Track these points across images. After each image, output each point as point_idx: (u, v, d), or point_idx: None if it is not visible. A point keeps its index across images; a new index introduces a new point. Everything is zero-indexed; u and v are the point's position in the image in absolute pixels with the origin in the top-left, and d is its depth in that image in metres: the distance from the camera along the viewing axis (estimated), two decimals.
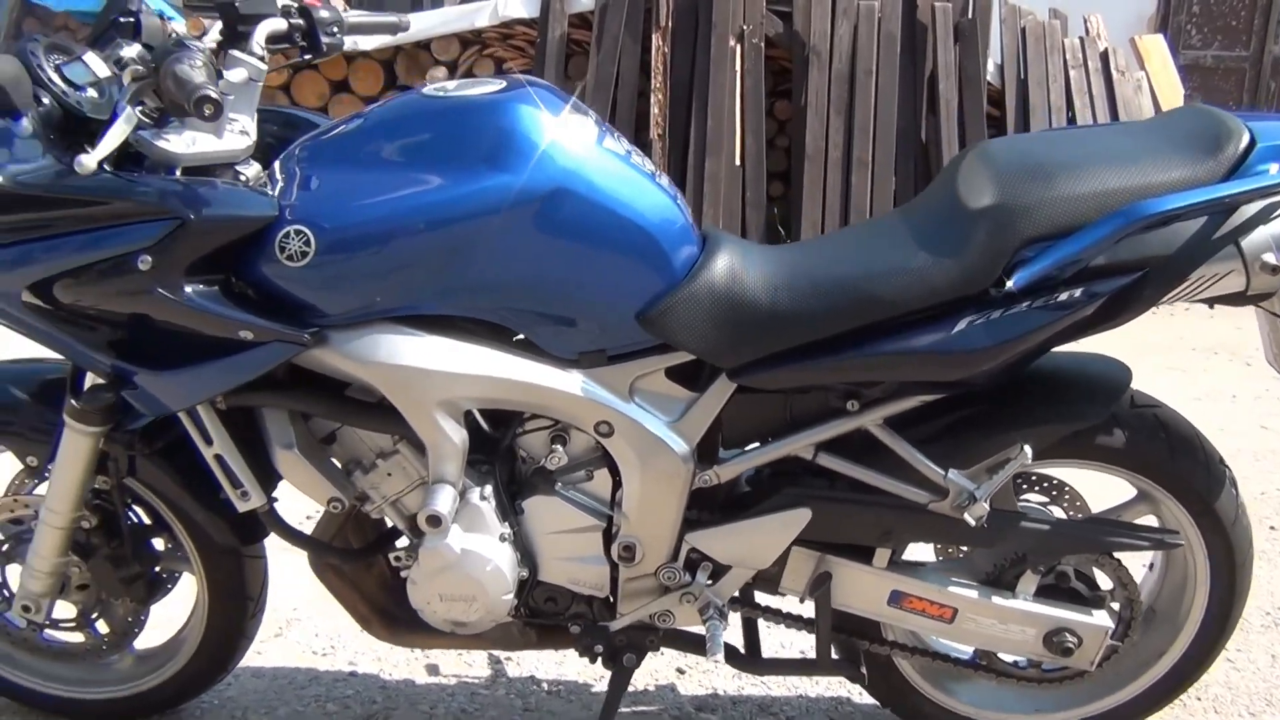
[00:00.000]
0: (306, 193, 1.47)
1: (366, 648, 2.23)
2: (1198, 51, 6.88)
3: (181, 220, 1.40)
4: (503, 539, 1.61)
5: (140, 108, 1.45)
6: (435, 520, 1.54)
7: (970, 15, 5.58)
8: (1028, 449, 1.54)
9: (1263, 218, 1.43)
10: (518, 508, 1.64)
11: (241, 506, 1.65)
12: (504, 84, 1.56)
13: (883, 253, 1.53)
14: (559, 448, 1.60)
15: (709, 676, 2.14)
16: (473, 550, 1.59)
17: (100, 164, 1.37)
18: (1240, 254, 1.43)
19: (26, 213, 1.44)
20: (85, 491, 1.73)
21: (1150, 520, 1.74)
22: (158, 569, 1.88)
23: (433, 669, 2.18)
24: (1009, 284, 1.43)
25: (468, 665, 2.18)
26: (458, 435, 1.54)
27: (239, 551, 1.83)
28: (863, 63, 5.57)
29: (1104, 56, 5.71)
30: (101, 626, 1.91)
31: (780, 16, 5.64)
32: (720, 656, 1.66)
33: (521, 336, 1.58)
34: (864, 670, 1.77)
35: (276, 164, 1.56)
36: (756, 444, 1.63)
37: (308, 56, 1.75)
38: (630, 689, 2.02)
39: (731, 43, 5.53)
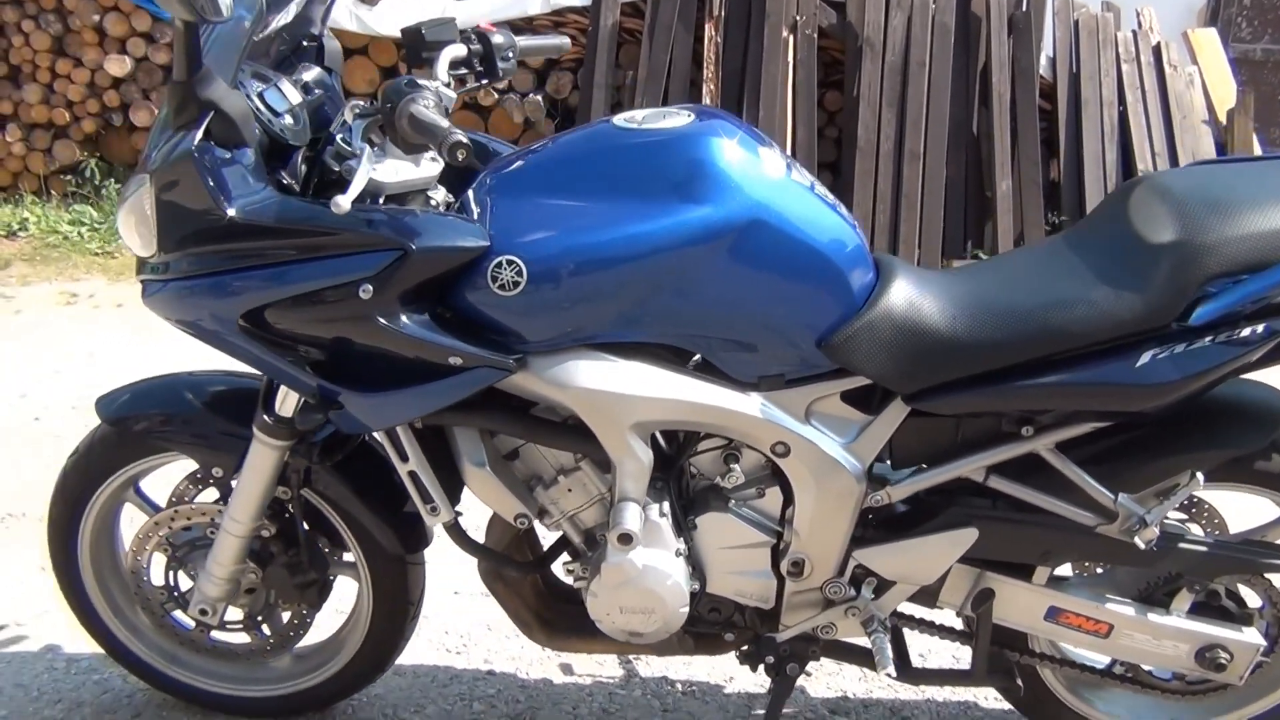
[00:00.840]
0: (512, 223, 1.53)
1: (499, 647, 2.31)
2: (1248, 45, 6.89)
3: (404, 251, 1.45)
4: (678, 554, 1.68)
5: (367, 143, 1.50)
6: (628, 538, 1.60)
7: (1024, 8, 5.59)
8: (1199, 476, 1.61)
9: None
10: (690, 523, 1.70)
11: (431, 521, 1.72)
12: (691, 115, 1.61)
13: (1060, 283, 1.58)
14: (736, 467, 1.67)
15: (836, 679, 2.22)
16: (653, 565, 1.65)
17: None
18: None
19: (249, 242, 1.49)
20: (267, 502, 1.79)
21: None
22: (329, 575, 1.95)
23: (567, 668, 2.25)
24: (1193, 319, 1.49)
25: (600, 665, 2.26)
26: (645, 456, 1.61)
27: (404, 559, 1.90)
28: (916, 54, 5.60)
29: (1156, 50, 5.74)
30: (266, 629, 1.97)
31: (833, 7, 5.66)
32: (892, 670, 1.73)
33: (698, 358, 1.63)
34: (1019, 682, 1.84)
35: (470, 192, 1.61)
36: (926, 465, 1.68)
37: (484, 81, 1.79)
38: (757, 690, 2.10)
39: (784, 33, 5.55)
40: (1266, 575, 1.76)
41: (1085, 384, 1.54)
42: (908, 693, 2.18)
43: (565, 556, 1.82)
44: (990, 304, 1.58)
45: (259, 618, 1.97)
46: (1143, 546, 1.63)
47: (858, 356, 1.57)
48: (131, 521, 2.00)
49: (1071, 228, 1.79)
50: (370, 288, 1.47)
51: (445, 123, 1.37)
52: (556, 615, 1.89)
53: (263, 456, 1.75)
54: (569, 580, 1.82)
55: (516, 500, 1.69)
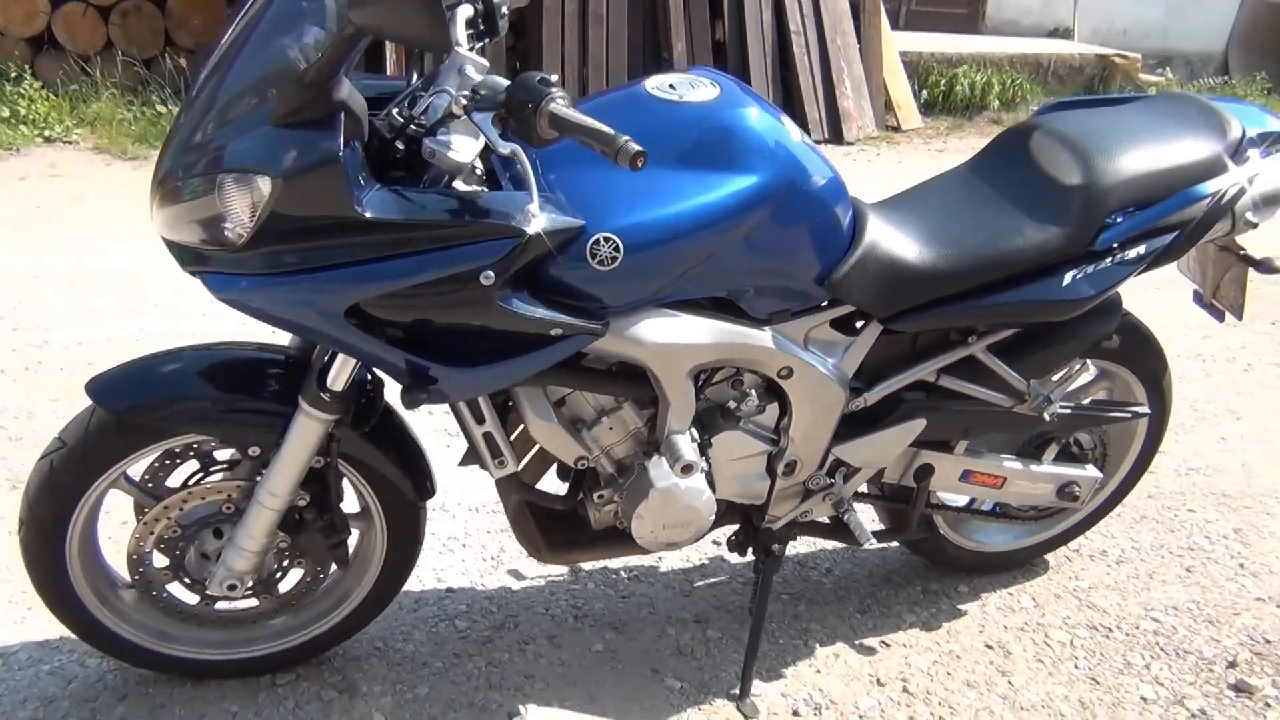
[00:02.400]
0: (596, 200, 1.64)
1: (442, 563, 2.43)
2: None
3: (522, 237, 1.54)
4: (702, 471, 1.93)
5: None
6: (690, 468, 1.83)
7: None
8: (1090, 364, 2.11)
9: (1245, 189, 2.03)
10: (707, 443, 1.96)
11: (498, 474, 1.84)
12: (716, 85, 1.78)
13: (998, 220, 1.98)
14: (752, 391, 1.93)
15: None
16: (693, 485, 1.90)
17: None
18: (1232, 213, 2.03)
19: (369, 236, 1.49)
20: (305, 472, 1.81)
21: (1103, 393, 2.39)
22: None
23: (516, 574, 2.43)
24: (1099, 245, 1.94)
25: (543, 568, 2.45)
26: (692, 393, 1.83)
27: (418, 505, 1.99)
28: None
29: None
30: (278, 590, 1.99)
31: None
32: (873, 541, 2.12)
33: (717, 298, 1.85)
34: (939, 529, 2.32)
35: (523, 167, 1.68)
36: (890, 373, 2.04)
37: (486, 39, 1.82)
38: (684, 565, 2.44)
39: None
40: (1102, 425, 2.34)
41: (1024, 302, 1.96)
42: (805, 547, 2.60)
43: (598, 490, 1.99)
44: (947, 238, 1.94)
45: (276, 579, 1.97)
46: (1048, 419, 2.12)
47: (851, 290, 1.87)
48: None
49: (973, 162, 2.17)
50: (492, 274, 1.54)
51: (609, 129, 1.44)
52: (575, 538, 2.07)
53: (310, 430, 1.75)
54: (596, 511, 1.99)
55: (576, 444, 1.85)
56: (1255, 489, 2.97)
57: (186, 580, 1.92)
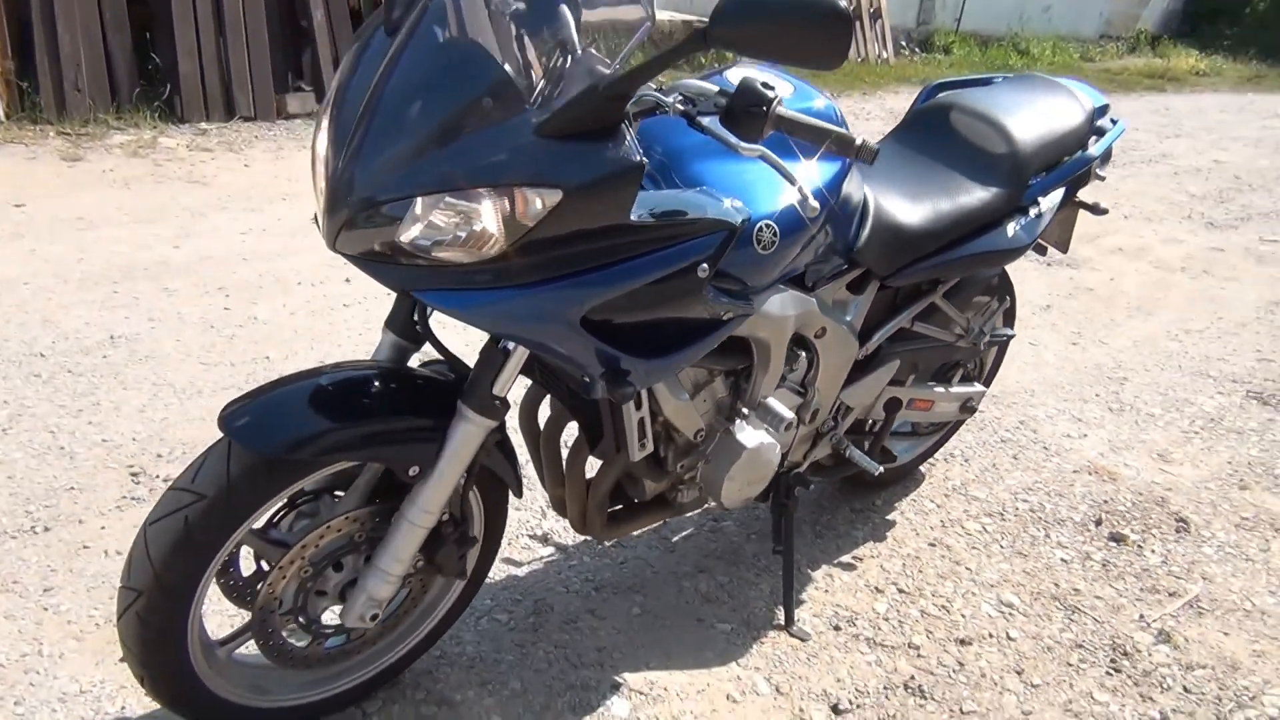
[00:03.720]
0: (735, 191, 1.78)
1: None
2: None
3: (733, 228, 1.65)
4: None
5: None
6: (791, 425, 2.04)
7: None
8: (1008, 298, 2.58)
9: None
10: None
11: (637, 455, 1.91)
12: (788, 82, 1.98)
13: (952, 184, 2.37)
14: (801, 353, 2.17)
15: None
16: (765, 441, 2.11)
17: None
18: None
19: (619, 239, 1.52)
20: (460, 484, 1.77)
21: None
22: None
23: (512, 562, 2.47)
24: (1026, 201, 2.41)
25: (528, 550, 2.52)
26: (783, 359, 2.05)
27: (507, 499, 2.01)
28: None
29: None
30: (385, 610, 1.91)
31: None
32: (881, 469, 2.44)
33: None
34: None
35: (667, 161, 1.78)
36: (881, 323, 2.37)
37: None
38: (664, 529, 2.65)
39: None
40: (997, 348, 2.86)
41: (985, 252, 2.38)
42: None
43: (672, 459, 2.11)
44: (925, 202, 2.31)
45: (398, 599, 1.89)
46: (980, 349, 2.57)
47: (867, 254, 2.18)
48: None
49: (897, 136, 2.54)
50: (706, 266, 1.64)
51: (838, 127, 1.58)
52: (623, 510, 2.18)
53: (473, 439, 1.72)
54: (662, 482, 2.11)
55: (699, 419, 1.98)
56: (1012, 388, 3.70)
57: (300, 621, 1.80)
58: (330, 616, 1.84)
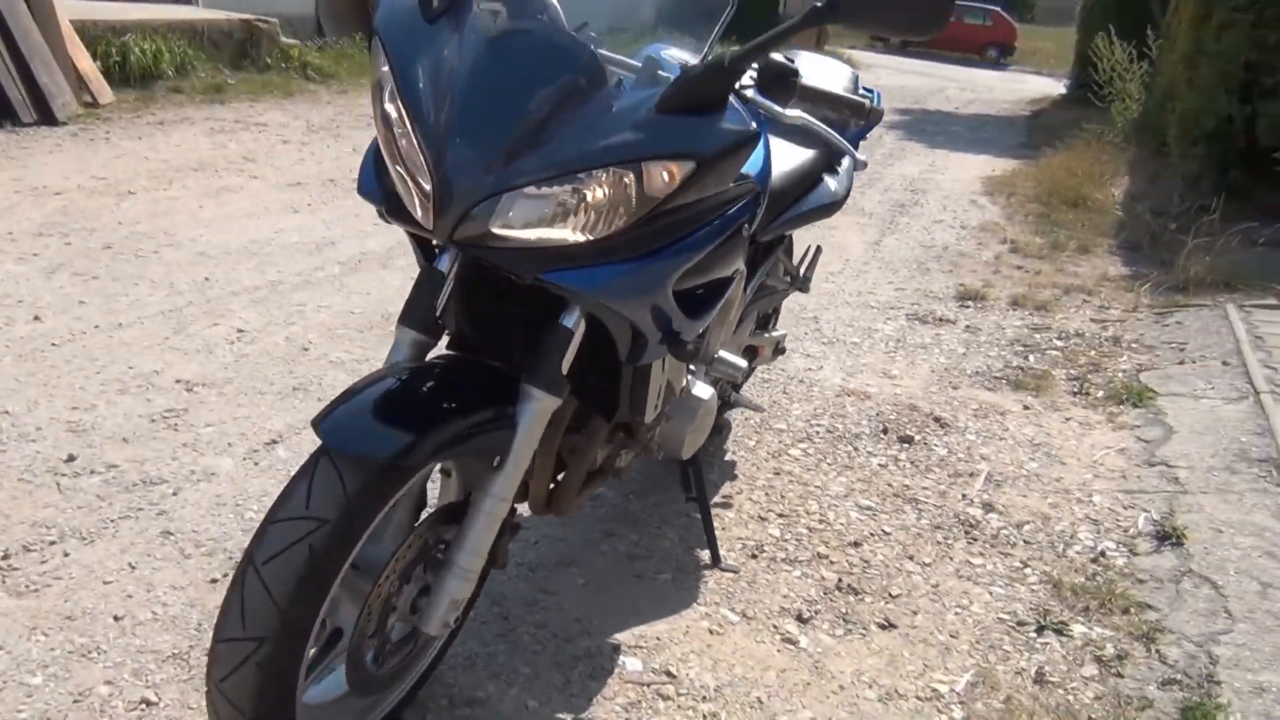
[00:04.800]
0: None
1: None
2: None
3: (760, 190, 1.83)
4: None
5: None
6: (748, 373, 2.24)
7: None
8: (819, 246, 2.96)
9: None
10: None
11: (650, 417, 2.01)
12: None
13: (796, 152, 2.68)
14: None
15: None
16: (712, 392, 2.31)
17: None
18: None
19: (707, 206, 1.64)
20: None
21: None
22: None
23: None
24: (836, 161, 2.81)
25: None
26: None
27: None
28: None
29: None
30: None
31: None
32: (764, 408, 2.69)
33: None
34: None
35: None
36: (751, 275, 2.64)
37: None
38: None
39: None
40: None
41: (822, 205, 2.73)
42: None
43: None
44: (780, 162, 2.59)
45: None
46: (799, 283, 2.93)
47: (762, 218, 2.45)
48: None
49: None
50: (747, 225, 1.79)
51: (848, 94, 1.78)
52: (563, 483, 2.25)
53: (542, 419, 1.73)
54: (612, 449, 2.22)
55: (682, 378, 2.11)
56: None
57: (378, 641, 1.72)
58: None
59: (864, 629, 2.33)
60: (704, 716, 2.02)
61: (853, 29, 1.63)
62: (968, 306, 4.86)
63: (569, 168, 1.49)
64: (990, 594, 2.50)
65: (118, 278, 4.10)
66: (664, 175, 1.54)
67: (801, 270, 3.00)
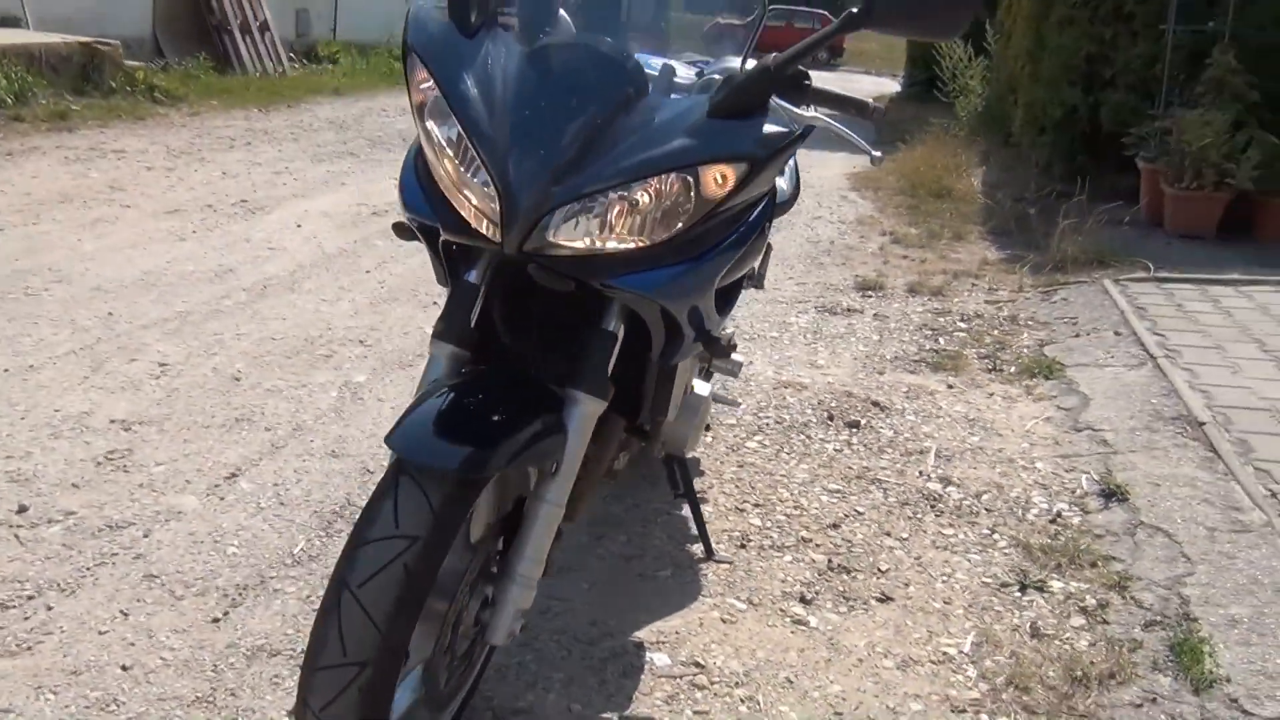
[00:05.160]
0: None
1: None
2: None
3: (773, 188, 1.91)
4: None
5: None
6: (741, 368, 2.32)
7: None
8: (770, 243, 3.07)
9: None
10: None
11: (674, 416, 2.07)
12: None
13: None
14: None
15: None
16: (708, 389, 2.38)
17: None
18: None
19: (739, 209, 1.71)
20: None
21: None
22: None
23: None
24: None
25: None
26: None
27: None
28: None
29: None
30: None
31: None
32: (741, 406, 2.77)
33: None
34: None
35: None
36: None
37: None
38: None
39: None
40: None
41: (777, 205, 2.82)
42: None
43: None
44: None
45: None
46: (755, 280, 3.03)
47: None
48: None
49: None
50: (769, 222, 1.86)
51: (853, 95, 1.87)
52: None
53: (589, 421, 1.76)
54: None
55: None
56: None
57: (451, 658, 1.73)
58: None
59: (865, 604, 2.44)
60: (741, 701, 2.09)
61: (884, 33, 1.72)
62: (869, 296, 5.07)
63: (631, 175, 1.54)
64: (969, 561, 2.65)
65: (14, 318, 3.88)
66: (719, 178, 1.60)
67: (756, 267, 3.09)
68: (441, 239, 1.74)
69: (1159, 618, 2.35)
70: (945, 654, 2.27)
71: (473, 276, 1.76)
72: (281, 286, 4.56)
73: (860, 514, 2.86)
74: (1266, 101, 6.18)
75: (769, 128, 1.66)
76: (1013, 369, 4.06)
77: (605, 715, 2.03)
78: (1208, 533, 2.67)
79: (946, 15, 1.62)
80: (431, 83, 1.62)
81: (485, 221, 1.57)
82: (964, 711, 2.09)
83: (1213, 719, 2.01)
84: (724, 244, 1.72)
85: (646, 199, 1.55)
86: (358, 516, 1.55)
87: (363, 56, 13.86)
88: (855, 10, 1.61)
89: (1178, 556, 2.57)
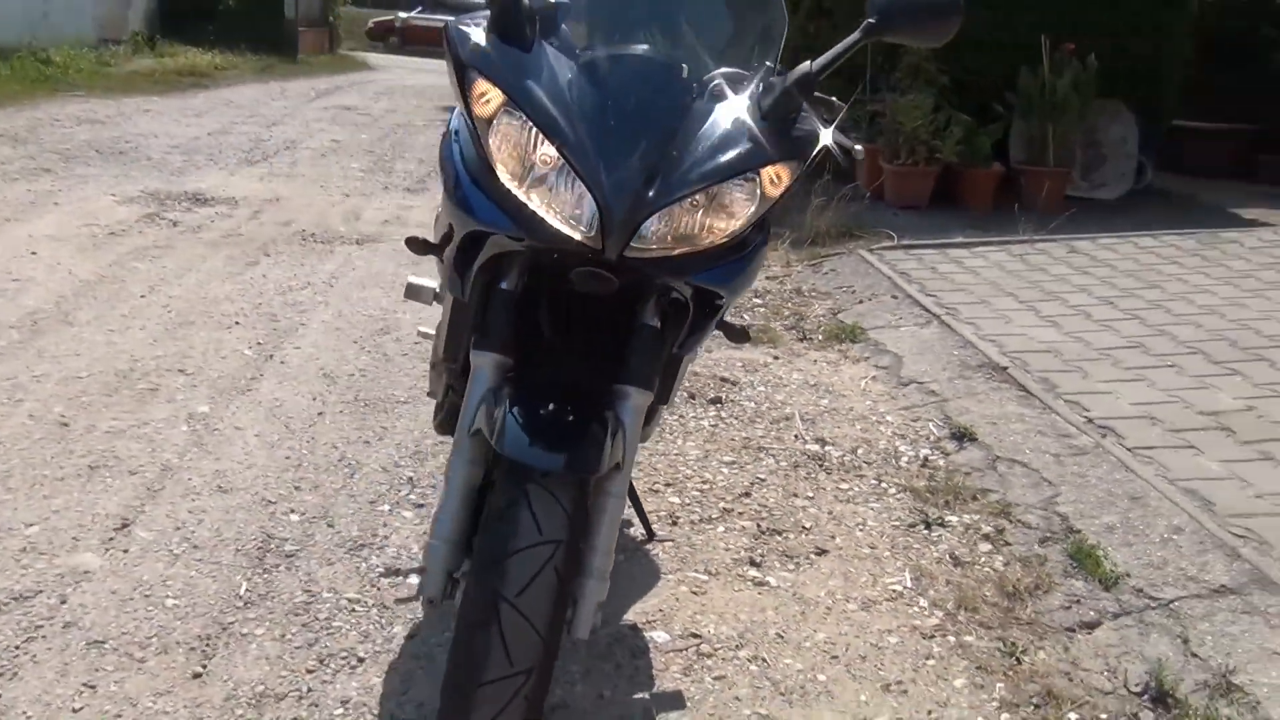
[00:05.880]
0: None
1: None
2: None
3: None
4: None
5: None
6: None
7: None
8: None
9: None
10: None
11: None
12: None
13: None
14: None
15: None
16: None
17: None
18: None
19: None
20: None
21: None
22: None
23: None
24: None
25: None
26: None
27: None
28: None
29: None
30: None
31: None
32: None
33: None
34: None
35: None
36: None
37: None
38: None
39: None
40: None
41: None
42: None
43: None
44: None
45: None
46: None
47: None
48: None
49: None
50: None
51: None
52: None
53: (641, 414, 1.81)
54: None
55: None
56: None
57: None
58: None
59: (807, 559, 2.68)
60: (748, 661, 2.25)
61: (895, 40, 1.91)
62: None
63: (710, 179, 1.65)
64: (871, 510, 2.95)
65: None
66: (774, 178, 1.74)
67: None
68: (448, 252, 1.79)
69: (1049, 534, 2.75)
70: (894, 591, 2.55)
71: (506, 284, 1.80)
72: (54, 320, 4.14)
73: (763, 480, 3.09)
74: (954, 86, 7.06)
75: (809, 129, 1.83)
76: (820, 336, 4.46)
77: (637, 696, 2.13)
78: (1055, 458, 3.13)
79: (936, 25, 1.85)
80: (495, 95, 1.64)
81: (577, 228, 1.63)
82: (933, 637, 2.37)
83: (1130, 607, 2.42)
84: (762, 239, 1.87)
85: (726, 201, 1.67)
86: (483, 531, 1.58)
87: (4, 61, 12.44)
88: (872, 20, 1.80)
89: (1040, 482, 3.01)
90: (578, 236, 1.64)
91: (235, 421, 3.31)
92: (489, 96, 1.66)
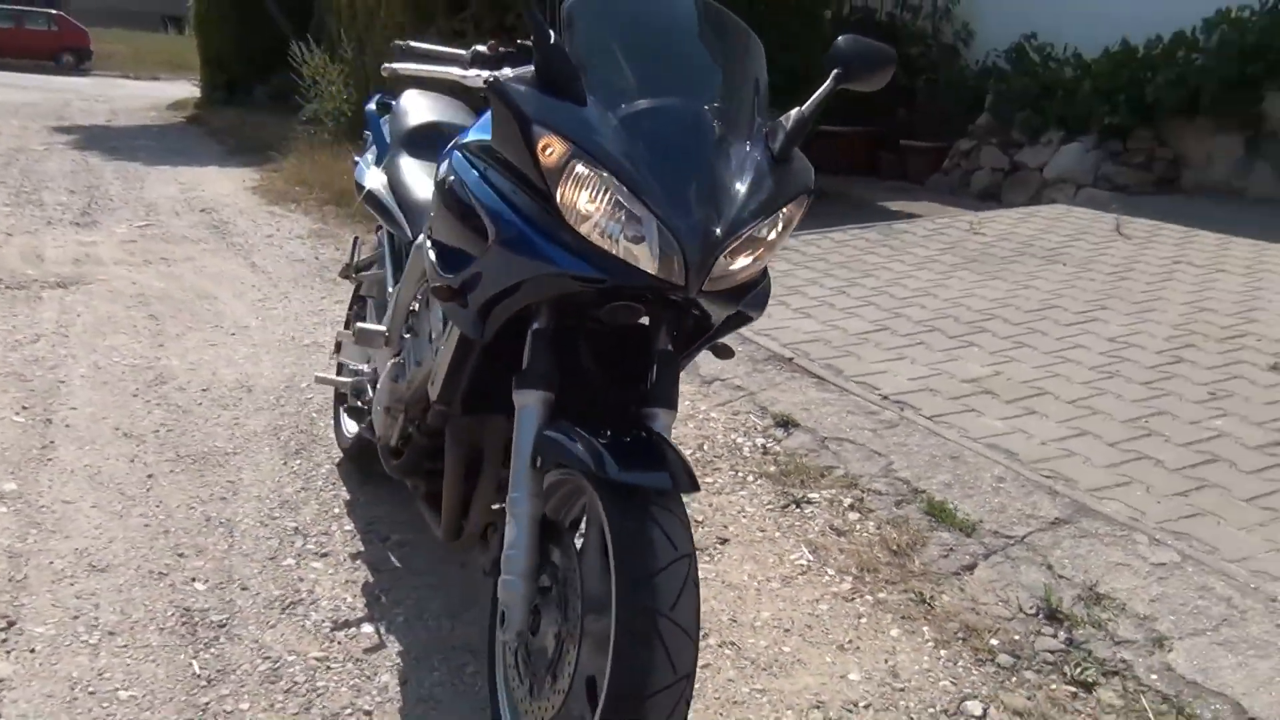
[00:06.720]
0: None
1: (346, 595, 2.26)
2: None
3: None
4: None
5: None
6: None
7: None
8: None
9: None
10: None
11: None
12: None
13: None
14: None
15: None
16: None
17: None
18: None
19: None
20: None
21: None
22: None
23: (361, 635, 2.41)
24: None
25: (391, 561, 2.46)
26: None
27: None
28: None
29: None
30: None
31: None
32: None
33: None
34: None
35: None
36: None
37: None
38: None
39: None
40: None
41: None
42: None
43: None
44: None
45: None
46: None
47: None
48: None
49: (404, 149, 2.97)
50: None
51: None
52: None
53: (669, 430, 2.01)
54: None
55: None
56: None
57: None
58: None
59: (716, 549, 2.94)
60: (720, 646, 2.49)
61: (853, 88, 2.16)
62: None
63: (758, 216, 1.86)
64: (743, 498, 3.26)
65: None
66: (792, 211, 1.98)
67: None
68: (474, 296, 1.93)
69: (901, 497, 3.20)
70: (801, 566, 2.88)
71: (539, 324, 1.93)
72: None
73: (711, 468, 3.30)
74: None
75: (803, 164, 2.07)
76: None
77: None
78: (873, 433, 3.60)
79: (882, 73, 2.15)
80: (558, 147, 1.75)
81: (656, 266, 1.77)
82: (853, 599, 2.72)
83: (994, 546, 2.90)
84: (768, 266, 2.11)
85: (770, 234, 1.89)
86: (617, 557, 1.69)
87: None
88: (839, 70, 2.08)
89: (872, 454, 3.46)
90: (655, 272, 1.79)
91: (58, 495, 3.02)
92: (552, 149, 1.77)
